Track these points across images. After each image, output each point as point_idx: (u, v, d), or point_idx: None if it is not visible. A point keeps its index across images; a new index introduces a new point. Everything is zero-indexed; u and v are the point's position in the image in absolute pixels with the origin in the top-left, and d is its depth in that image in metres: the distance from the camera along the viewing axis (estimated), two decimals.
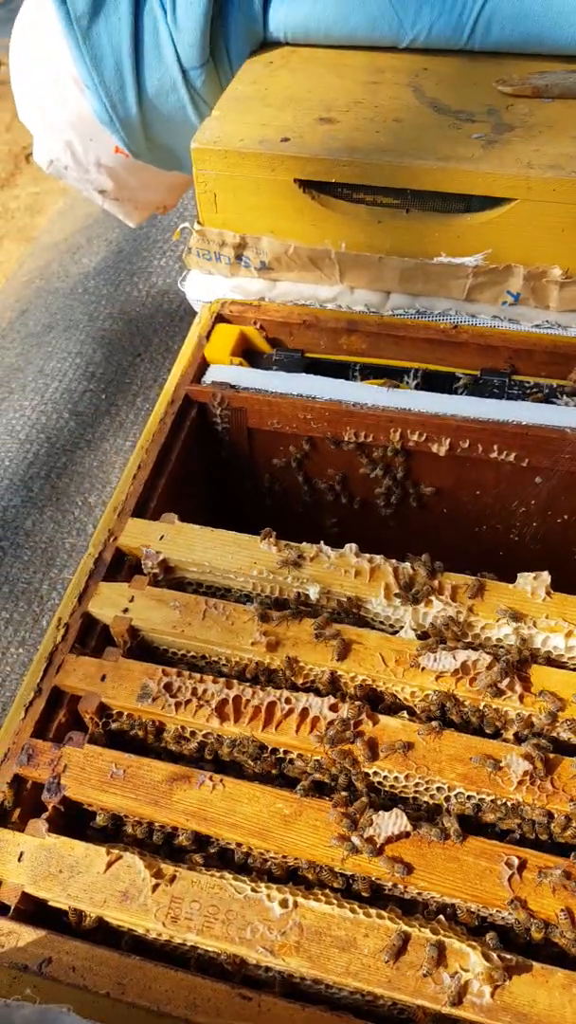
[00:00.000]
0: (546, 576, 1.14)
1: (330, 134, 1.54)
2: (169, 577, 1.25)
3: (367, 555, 1.20)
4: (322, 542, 1.22)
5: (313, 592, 1.18)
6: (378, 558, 1.20)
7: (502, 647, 1.12)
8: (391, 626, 1.19)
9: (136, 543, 1.24)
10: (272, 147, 1.51)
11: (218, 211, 1.60)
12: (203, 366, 1.50)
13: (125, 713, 1.11)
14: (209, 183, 1.57)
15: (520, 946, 0.95)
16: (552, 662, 1.13)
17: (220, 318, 1.58)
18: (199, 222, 1.63)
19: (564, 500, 1.44)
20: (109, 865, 0.97)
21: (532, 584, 1.14)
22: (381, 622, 1.19)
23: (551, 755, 1.02)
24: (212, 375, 1.48)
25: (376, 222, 1.54)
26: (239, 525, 1.30)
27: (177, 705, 1.09)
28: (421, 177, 1.46)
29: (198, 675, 1.11)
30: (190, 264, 1.72)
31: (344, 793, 1.01)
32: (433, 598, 1.15)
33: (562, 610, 1.12)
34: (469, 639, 1.13)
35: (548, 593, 1.14)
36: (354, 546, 1.21)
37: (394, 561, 1.19)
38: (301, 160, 1.50)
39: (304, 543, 1.23)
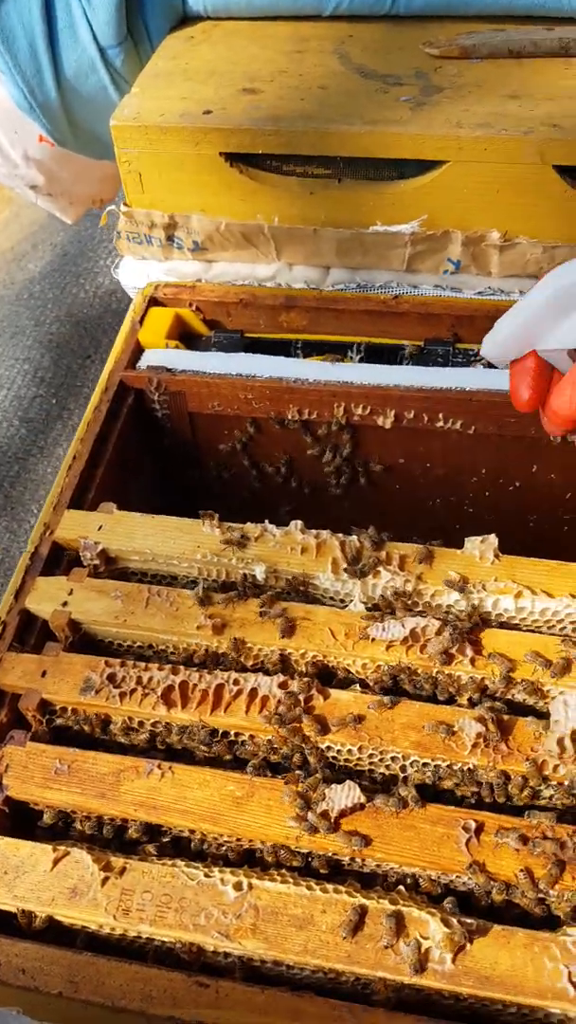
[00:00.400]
0: (493, 539, 1.18)
1: (254, 104, 1.57)
2: (111, 568, 1.27)
3: (313, 531, 1.23)
4: (267, 521, 1.25)
5: (260, 572, 1.20)
6: (324, 533, 1.22)
7: (452, 613, 1.15)
8: (341, 601, 1.21)
9: (73, 535, 1.26)
10: (194, 120, 1.54)
11: (144, 191, 1.62)
12: (138, 351, 1.52)
13: (69, 708, 1.13)
14: (132, 162, 1.60)
15: (482, 910, 0.98)
16: (504, 625, 1.16)
17: (154, 301, 1.60)
18: (126, 204, 1.65)
19: (514, 467, 1.48)
20: (56, 862, 0.99)
21: (480, 548, 1.18)
22: (331, 598, 1.22)
23: (505, 716, 1.05)
24: (147, 359, 1.50)
25: (308, 194, 1.57)
26: (188, 517, 1.32)
27: (122, 695, 1.10)
28: (349, 143, 1.50)
29: (142, 664, 1.13)
30: (122, 249, 1.74)
31: (298, 771, 1.04)
32: (381, 569, 1.17)
33: (511, 572, 1.16)
34: (420, 608, 1.16)
35: (496, 556, 1.17)
36: (299, 523, 1.24)
37: (340, 535, 1.22)
38: (225, 132, 1.53)
39: (248, 524, 1.25)
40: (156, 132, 1.55)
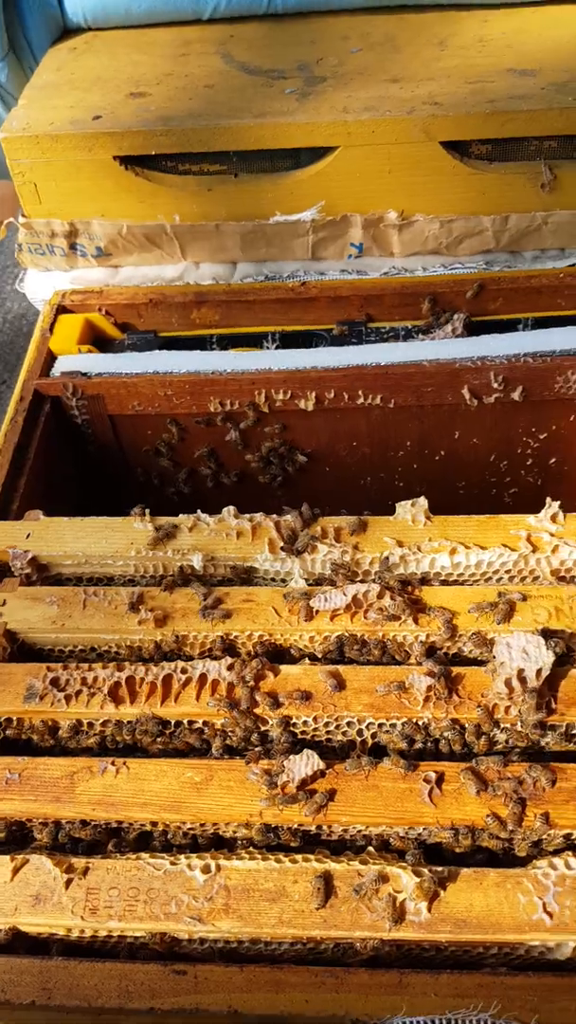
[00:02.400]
0: (423, 501, 1.21)
1: (143, 107, 1.60)
2: (44, 576, 1.26)
3: (247, 515, 1.25)
4: (199, 511, 1.26)
5: (197, 561, 1.21)
6: (258, 516, 1.24)
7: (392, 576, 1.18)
8: (282, 581, 1.23)
9: (1, 545, 1.25)
10: (84, 126, 1.57)
11: (41, 201, 1.64)
12: (50, 359, 1.53)
13: (13, 719, 1.11)
14: (26, 173, 1.61)
15: (450, 860, 1.00)
16: (445, 583, 1.20)
17: (62, 309, 1.61)
18: (24, 215, 1.66)
19: (437, 436, 1.53)
20: (15, 872, 0.97)
21: (411, 511, 1.21)
22: (272, 579, 1.24)
23: (453, 668, 1.08)
24: (60, 366, 1.50)
25: (206, 191, 1.61)
26: None
27: (67, 698, 1.10)
28: (241, 136, 1.54)
29: (85, 665, 1.13)
30: (24, 262, 1.75)
31: (258, 748, 1.05)
32: (318, 544, 1.20)
33: (444, 531, 1.20)
34: (360, 577, 1.19)
35: (428, 517, 1.21)
36: (232, 508, 1.25)
37: (274, 516, 1.24)
38: (116, 135, 1.55)
39: (181, 515, 1.26)
40: (47, 140, 1.57)
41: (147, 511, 1.25)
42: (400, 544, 1.18)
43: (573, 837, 0.99)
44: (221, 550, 1.22)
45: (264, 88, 1.61)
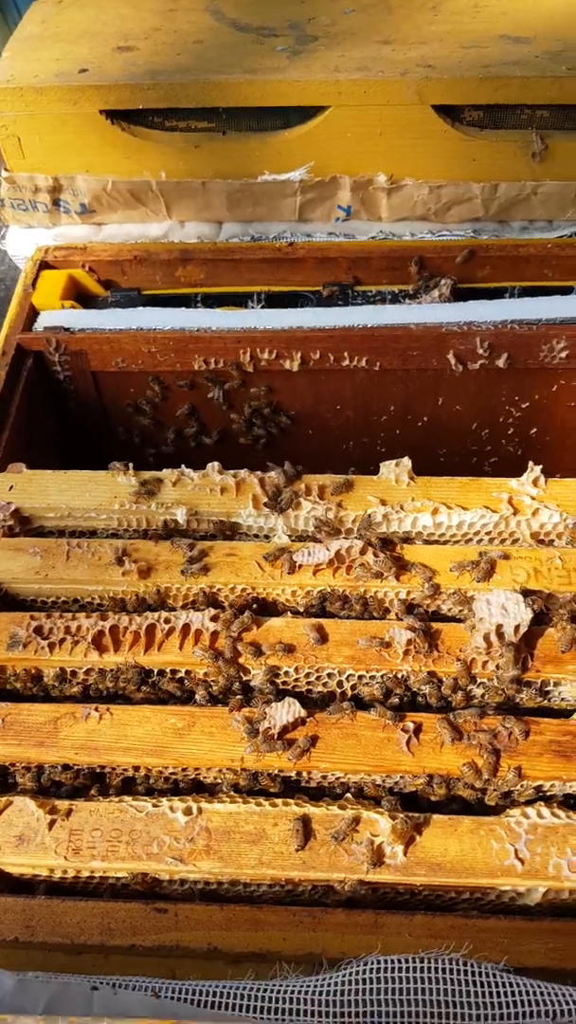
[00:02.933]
0: (407, 461, 1.23)
1: (130, 61, 1.59)
2: (27, 528, 1.26)
3: (231, 471, 1.26)
4: (183, 465, 1.27)
5: (180, 515, 1.22)
6: (242, 472, 1.26)
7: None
8: (266, 536, 1.25)
9: None
10: (70, 79, 1.55)
11: (25, 155, 1.62)
12: (33, 315, 1.52)
13: None
14: (10, 126, 1.59)
15: (426, 810, 1.02)
16: (427, 543, 1.22)
17: (45, 265, 1.59)
18: (7, 169, 1.64)
19: (420, 401, 1.55)
20: None
21: (395, 471, 1.23)
22: (255, 535, 1.25)
23: (433, 624, 1.10)
24: (43, 321, 1.50)
25: (193, 147, 1.60)
26: None
27: (51, 646, 1.11)
28: (230, 93, 1.53)
29: (69, 614, 1.14)
30: (6, 219, 1.73)
31: (239, 697, 1.07)
32: (302, 500, 1.21)
33: (427, 491, 1.22)
34: (343, 535, 1.21)
35: (411, 478, 1.23)
36: (216, 464, 1.27)
37: (259, 473, 1.26)
38: (103, 89, 1.54)
39: (165, 470, 1.27)
40: (32, 93, 1.55)
41: (130, 465, 1.26)
42: (383, 503, 1.20)
43: (544, 789, 1.03)
44: (205, 505, 1.23)
45: (254, 45, 1.61)
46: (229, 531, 1.25)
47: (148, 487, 1.24)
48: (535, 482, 1.21)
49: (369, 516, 1.19)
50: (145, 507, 1.24)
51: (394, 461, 1.24)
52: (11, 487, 1.26)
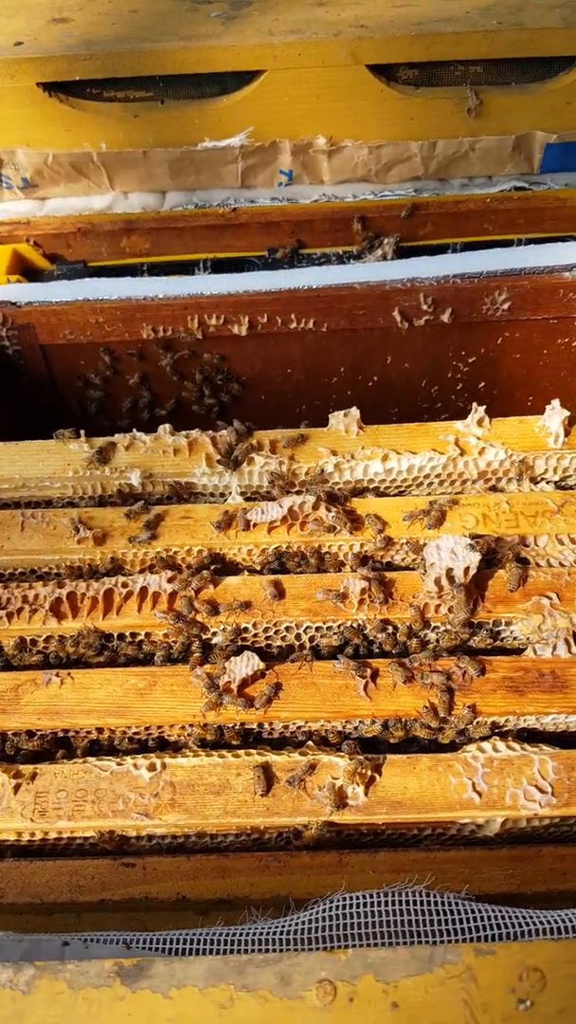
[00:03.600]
0: (355, 411, 1.25)
1: (65, 32, 1.56)
2: None
3: (183, 432, 1.26)
4: (134, 429, 1.27)
5: (135, 478, 1.22)
6: (194, 432, 1.26)
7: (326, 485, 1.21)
8: (221, 495, 1.25)
9: None
10: (5, 52, 1.51)
11: None
12: None
13: None
14: None
15: (386, 751, 1.04)
16: (379, 495, 1.23)
17: None
18: None
19: (369, 361, 1.55)
20: None
21: (344, 422, 1.24)
22: (211, 494, 1.25)
23: (386, 574, 1.11)
24: None
25: (132, 117, 1.58)
26: None
27: (9, 616, 1.10)
28: (167, 60, 1.51)
29: (26, 584, 1.13)
30: None
31: (198, 655, 1.07)
32: (254, 456, 1.22)
33: (375, 439, 1.24)
34: (297, 488, 1.21)
35: (360, 427, 1.24)
36: (168, 426, 1.26)
37: (210, 432, 1.26)
38: (39, 61, 1.51)
39: (116, 435, 1.26)
40: None
41: (82, 432, 1.25)
42: (334, 453, 1.21)
43: (499, 724, 1.04)
44: (159, 467, 1.23)
45: (189, 13, 1.58)
46: (185, 492, 1.24)
47: (101, 453, 1.23)
48: (480, 422, 1.23)
49: (322, 471, 1.20)
50: (99, 473, 1.23)
51: (342, 412, 1.26)
52: None
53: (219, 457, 1.21)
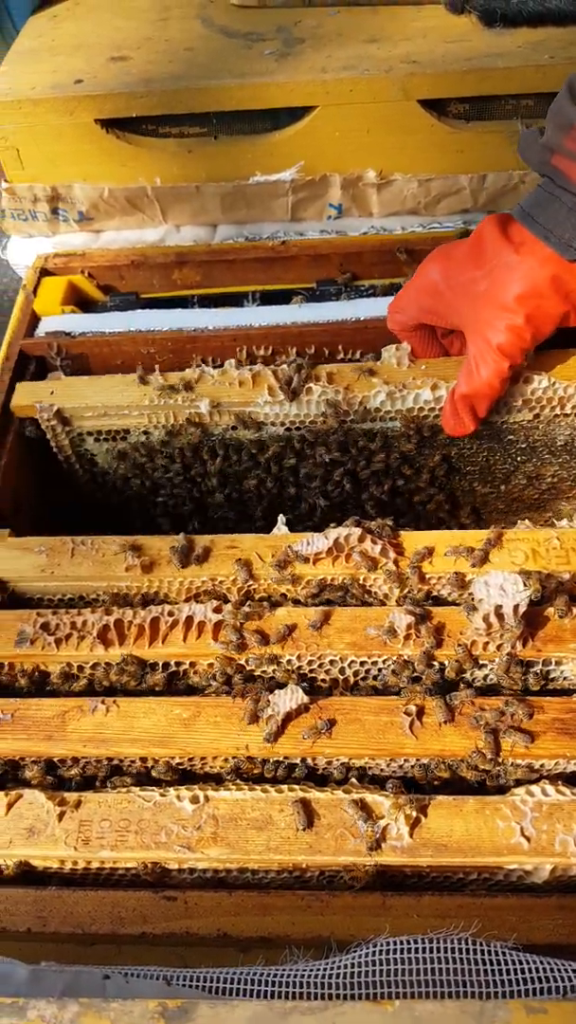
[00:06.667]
0: (406, 345, 1.32)
1: (124, 70, 1.58)
2: (67, 430, 1.37)
3: (247, 366, 1.34)
4: (201, 362, 1.38)
5: (204, 407, 1.31)
6: (257, 366, 1.34)
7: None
8: (281, 424, 1.33)
9: (28, 401, 1.35)
10: (66, 90, 1.54)
11: (24, 167, 1.61)
12: (34, 321, 1.51)
13: (5, 664, 1.11)
14: (8, 138, 1.58)
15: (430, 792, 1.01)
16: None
17: (45, 272, 1.59)
18: (6, 181, 1.63)
19: None
20: (9, 806, 0.97)
21: (396, 355, 1.32)
22: (272, 422, 1.33)
23: (433, 608, 1.08)
24: (45, 327, 1.49)
25: (186, 152, 1.59)
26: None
27: (58, 642, 1.10)
28: (222, 97, 1.52)
29: (75, 610, 1.13)
30: (7, 229, 1.72)
31: (242, 686, 1.05)
32: (312, 385, 1.29)
33: (426, 370, 1.30)
34: (352, 416, 1.30)
35: (411, 360, 1.31)
36: (233, 361, 1.35)
37: (272, 366, 1.33)
38: (98, 99, 1.53)
39: (187, 370, 1.35)
40: (29, 105, 1.55)
41: (156, 368, 1.36)
42: (386, 383, 1.28)
43: (546, 768, 1.00)
44: (225, 396, 1.31)
45: (243, 50, 1.59)
46: (248, 420, 1.32)
47: (174, 383, 1.32)
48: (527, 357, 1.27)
49: (377, 399, 1.28)
50: (172, 401, 1.32)
51: (394, 346, 1.33)
52: (52, 391, 1.36)
53: (280, 386, 1.29)
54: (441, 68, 1.47)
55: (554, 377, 1.27)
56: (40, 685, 1.12)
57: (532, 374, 1.27)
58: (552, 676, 1.07)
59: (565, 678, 1.07)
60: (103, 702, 1.05)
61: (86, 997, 0.85)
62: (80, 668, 1.11)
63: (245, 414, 1.31)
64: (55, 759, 1.04)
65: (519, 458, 1.40)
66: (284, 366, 1.31)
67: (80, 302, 1.59)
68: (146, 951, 0.94)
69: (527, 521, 1.19)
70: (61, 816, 0.96)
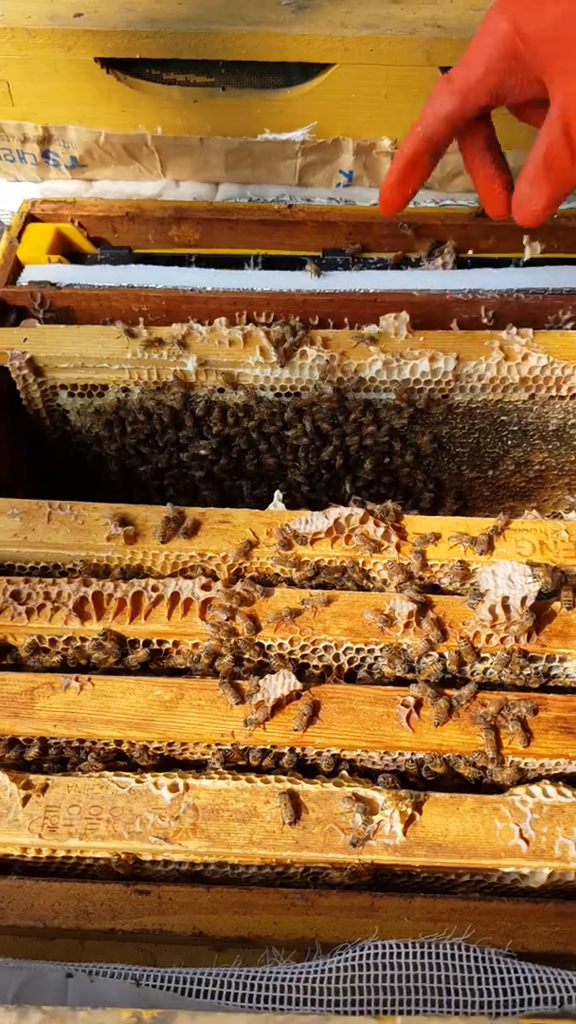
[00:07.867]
0: (404, 315, 1.29)
1: (128, 7, 1.51)
2: (39, 381, 1.29)
3: (238, 325, 1.29)
4: (193, 321, 1.29)
5: (190, 364, 1.25)
6: (249, 326, 1.28)
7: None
8: (271, 388, 1.29)
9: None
10: (65, 23, 1.47)
11: (14, 102, 1.53)
12: (17, 269, 1.44)
13: None
14: None
15: (422, 788, 0.97)
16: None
17: (31, 218, 1.51)
18: None
19: None
20: None
21: (394, 324, 1.29)
22: (261, 386, 1.28)
23: (433, 597, 1.05)
24: (28, 275, 1.42)
25: (191, 102, 1.53)
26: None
27: (29, 612, 1.03)
28: (231, 46, 1.46)
29: (49, 579, 1.07)
30: None
31: (231, 668, 1.00)
32: (306, 348, 1.26)
33: (423, 341, 1.28)
34: (347, 380, 1.26)
35: (409, 331, 1.28)
36: (223, 319, 1.29)
37: (264, 327, 1.28)
38: (99, 35, 1.46)
39: (173, 325, 1.29)
40: (23, 35, 1.47)
41: (140, 321, 1.30)
42: (383, 351, 1.26)
43: (548, 767, 0.98)
44: (213, 355, 1.26)
45: None
46: (235, 381, 1.28)
47: (158, 337, 1.27)
48: (522, 335, 1.28)
49: (373, 368, 1.25)
50: (156, 356, 1.25)
51: (392, 315, 1.29)
52: (25, 339, 1.28)
53: (272, 347, 1.24)
54: (467, 35, 1.42)
55: (553, 356, 1.26)
56: (6, 658, 1.06)
57: (531, 352, 1.26)
58: (554, 673, 1.04)
59: (568, 675, 1.04)
60: (76, 679, 0.99)
61: (45, 996, 0.80)
62: (52, 642, 1.05)
63: (233, 375, 1.26)
64: (20, 738, 0.98)
65: (510, 442, 1.38)
66: (277, 326, 1.27)
67: (68, 253, 1.51)
68: (112, 947, 0.89)
69: (535, 511, 1.17)
70: (25, 800, 0.91)
